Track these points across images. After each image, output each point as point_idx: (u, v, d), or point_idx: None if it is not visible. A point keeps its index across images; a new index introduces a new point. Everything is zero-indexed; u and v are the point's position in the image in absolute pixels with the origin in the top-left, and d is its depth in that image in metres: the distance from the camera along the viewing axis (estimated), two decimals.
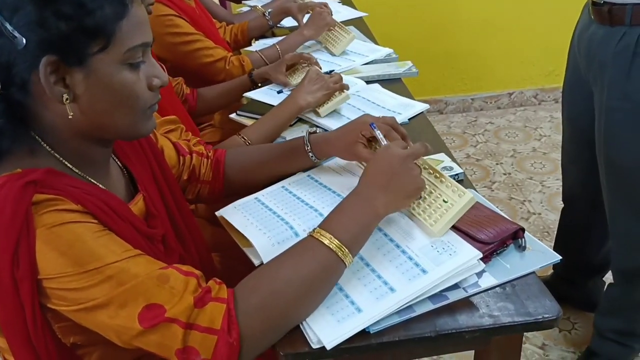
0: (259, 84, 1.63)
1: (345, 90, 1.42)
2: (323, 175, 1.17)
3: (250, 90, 1.62)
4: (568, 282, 1.96)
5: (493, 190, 2.73)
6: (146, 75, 0.86)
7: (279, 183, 1.17)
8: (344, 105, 1.47)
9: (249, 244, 1.00)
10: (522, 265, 0.95)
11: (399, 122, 1.40)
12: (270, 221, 1.04)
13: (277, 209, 1.07)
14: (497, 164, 2.94)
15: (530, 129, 3.25)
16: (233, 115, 1.52)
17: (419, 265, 0.90)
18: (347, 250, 0.86)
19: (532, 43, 3.29)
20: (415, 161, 0.97)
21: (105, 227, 0.81)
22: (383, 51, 1.87)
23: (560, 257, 0.96)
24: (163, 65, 1.60)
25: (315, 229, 0.88)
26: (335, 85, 1.42)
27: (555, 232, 2.01)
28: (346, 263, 0.86)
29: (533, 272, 0.94)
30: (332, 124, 1.40)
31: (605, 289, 1.78)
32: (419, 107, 1.50)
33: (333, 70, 1.65)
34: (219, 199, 1.23)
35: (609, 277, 1.93)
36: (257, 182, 1.20)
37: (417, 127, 1.43)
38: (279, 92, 1.56)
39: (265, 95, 1.56)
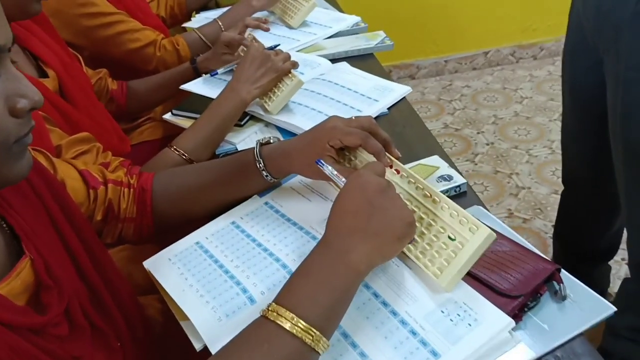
0: (203, 74, 1.31)
1: (295, 74, 1.11)
2: (284, 201, 0.88)
3: (191, 80, 1.30)
4: (570, 271, 1.74)
5: (477, 164, 2.48)
6: (4, 96, 0.56)
7: (227, 215, 0.88)
8: (306, 93, 1.18)
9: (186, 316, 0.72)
10: (565, 324, 0.69)
11: (377, 114, 1.15)
12: (216, 280, 0.75)
13: (224, 259, 0.79)
14: (478, 132, 2.68)
15: (510, 90, 2.99)
16: (167, 116, 1.21)
17: (427, 344, 0.63)
18: (318, 333, 0.59)
19: None
20: (398, 175, 0.70)
21: None
22: (349, 20, 1.56)
23: (615, 309, 0.70)
24: (79, 55, 1.29)
25: (270, 304, 0.61)
26: (285, 65, 1.12)
27: (548, 209, 1.77)
28: (319, 350, 0.59)
29: (581, 334, 0.68)
30: (295, 119, 1.11)
31: (620, 285, 1.56)
32: (399, 90, 1.21)
33: (278, 45, 1.34)
34: (150, 238, 0.94)
35: (616, 268, 1.72)
36: (197, 213, 0.92)
37: (400, 118, 1.15)
38: (212, 75, 1.25)
39: (207, 87, 1.24)
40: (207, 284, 0.75)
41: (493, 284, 0.71)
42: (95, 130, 1.11)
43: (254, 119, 1.16)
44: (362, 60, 1.39)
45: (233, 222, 0.86)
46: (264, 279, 0.74)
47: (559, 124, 1.71)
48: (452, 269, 0.67)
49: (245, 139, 1.11)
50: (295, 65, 1.13)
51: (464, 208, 0.86)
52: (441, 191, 0.88)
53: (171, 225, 0.93)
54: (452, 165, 0.96)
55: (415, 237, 0.71)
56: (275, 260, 0.77)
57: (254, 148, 0.86)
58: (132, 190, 0.91)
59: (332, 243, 0.65)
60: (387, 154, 0.80)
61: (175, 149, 1.03)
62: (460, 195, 0.92)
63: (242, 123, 1.14)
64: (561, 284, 0.72)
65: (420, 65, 3.16)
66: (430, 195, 0.73)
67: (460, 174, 0.95)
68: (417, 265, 0.71)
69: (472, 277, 0.71)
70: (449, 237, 0.69)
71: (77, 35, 1.34)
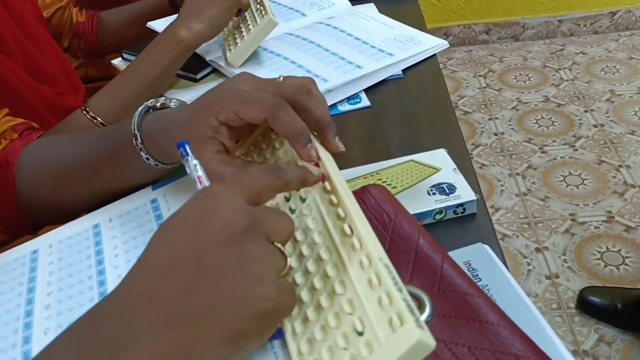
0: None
1: (269, 11, 0.77)
2: (180, 200, 0.57)
3: (169, 15, 1.01)
4: None
5: (576, 150, 1.99)
6: None
7: (101, 212, 0.59)
8: (291, 39, 0.84)
9: None
10: None
11: (384, 71, 0.76)
12: (7, 314, 0.47)
13: (43, 285, 0.51)
14: (585, 110, 2.17)
15: (637, 61, 2.42)
16: (116, 61, 0.93)
17: None
18: None
19: None
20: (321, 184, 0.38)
21: None
22: None
23: None
24: None
25: None
26: None
27: None
28: None
29: None
30: (263, 75, 0.78)
31: None
32: (428, 44, 0.84)
33: None
34: (23, 230, 0.67)
35: None
36: (66, 203, 0.63)
37: (417, 86, 0.78)
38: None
39: None
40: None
41: None
42: (31, 78, 0.86)
43: (218, 73, 0.84)
44: (398, 2, 1.02)
45: (96, 226, 0.57)
46: (66, 314, 0.45)
47: None
48: None
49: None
50: None
51: (465, 241, 0.52)
52: (434, 210, 0.53)
53: (39, 217, 0.65)
54: (467, 167, 0.60)
55: (307, 310, 0.38)
56: (99, 284, 0.48)
57: (133, 119, 0.55)
58: None
59: (105, 319, 0.34)
60: (315, 143, 0.46)
61: (85, 111, 0.74)
62: (464, 219, 0.56)
63: (198, 77, 0.83)
64: None
65: (527, 25, 2.65)
66: (352, 234, 0.39)
67: (477, 182, 0.58)
68: None
69: None
70: (355, 329, 0.35)
71: None
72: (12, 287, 0.51)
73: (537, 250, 1.65)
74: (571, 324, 1.43)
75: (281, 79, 0.50)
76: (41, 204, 0.64)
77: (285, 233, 0.37)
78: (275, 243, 0.36)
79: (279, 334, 0.37)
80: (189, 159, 0.43)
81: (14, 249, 0.57)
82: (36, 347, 0.43)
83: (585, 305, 1.44)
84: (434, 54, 0.84)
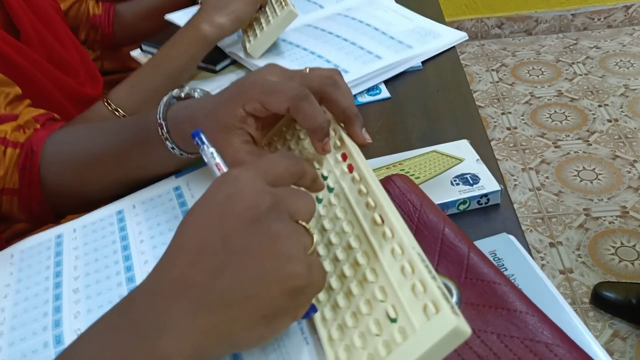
0: (199, 0, 1.01)
1: (288, 2, 0.77)
2: (203, 187, 0.57)
3: (185, 7, 1.01)
4: None
5: (590, 145, 1.98)
6: None
7: (124, 200, 0.59)
8: (310, 31, 0.84)
9: None
10: None
11: (403, 67, 0.76)
12: (36, 297, 0.49)
13: (69, 269, 0.51)
14: (599, 105, 2.16)
15: None
16: (135, 53, 0.93)
17: None
18: None
19: None
20: (349, 174, 0.39)
21: None
22: None
23: None
24: None
25: None
26: None
27: None
28: None
29: None
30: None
31: None
32: (448, 37, 0.84)
33: None
34: (47, 218, 0.68)
35: None
36: (91, 191, 0.64)
37: (436, 78, 0.78)
38: (200, 3, 0.94)
39: None
40: (24, 301, 0.48)
41: None
42: (53, 68, 0.87)
43: (237, 64, 0.85)
44: None
45: (120, 212, 0.57)
46: (95, 298, 0.46)
47: None
48: None
49: (216, 90, 0.80)
50: None
51: (489, 232, 0.52)
52: (458, 200, 0.53)
53: (63, 206, 0.66)
54: (489, 159, 0.60)
55: (338, 296, 0.38)
56: (126, 269, 0.48)
57: (158, 109, 0.55)
58: (17, 150, 0.65)
59: (139, 306, 0.34)
60: (342, 134, 0.46)
61: (107, 103, 0.75)
62: (488, 210, 0.56)
63: (218, 69, 0.83)
64: None
65: (540, 19, 2.63)
66: (383, 223, 0.39)
67: (500, 173, 0.58)
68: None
69: None
70: (388, 315, 0.35)
71: None
72: (39, 270, 0.52)
73: (551, 245, 1.64)
74: (585, 319, 1.43)
75: (307, 70, 0.50)
76: (65, 193, 0.64)
77: (308, 212, 0.38)
78: (300, 221, 0.37)
79: (312, 311, 0.37)
80: (205, 147, 0.43)
81: (39, 234, 0.57)
82: (67, 331, 0.44)
83: (600, 300, 1.44)
84: (454, 46, 0.83)
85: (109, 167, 0.61)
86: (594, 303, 1.45)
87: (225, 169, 0.41)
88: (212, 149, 0.42)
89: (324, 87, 0.47)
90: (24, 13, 0.87)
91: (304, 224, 0.37)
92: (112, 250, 0.52)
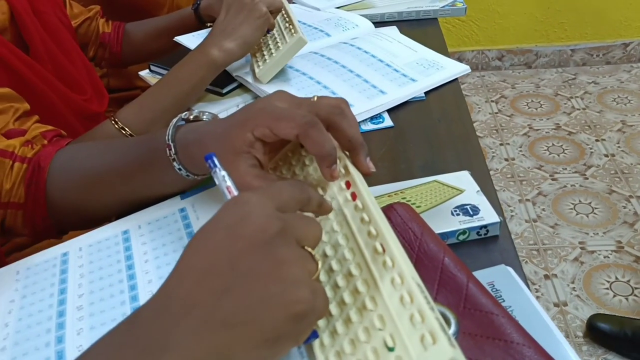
0: (208, 24, 1.03)
1: (298, 30, 0.79)
2: (208, 210, 0.58)
3: (194, 30, 1.03)
4: None
5: (587, 179, 2.00)
6: None
7: (129, 219, 0.60)
8: (316, 58, 0.86)
9: None
10: None
11: (406, 97, 0.78)
12: (40, 313, 0.49)
13: (74, 287, 0.52)
14: (597, 140, 2.19)
15: None
16: (143, 73, 0.95)
17: None
18: None
19: None
20: (352, 202, 0.39)
21: None
22: None
23: None
24: None
25: None
26: (276, 1, 0.81)
27: None
28: None
29: None
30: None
31: None
32: (451, 69, 0.86)
33: None
34: (49, 234, 0.68)
35: None
36: (95, 210, 0.64)
37: (439, 108, 0.80)
38: (209, 26, 0.96)
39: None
40: (27, 317, 0.49)
41: None
42: (60, 84, 0.88)
43: (243, 88, 0.86)
44: (420, 25, 1.04)
45: (125, 232, 0.58)
46: (98, 315, 0.46)
47: None
48: None
49: (222, 113, 0.82)
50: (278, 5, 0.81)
51: (487, 263, 0.53)
52: (458, 231, 0.54)
53: (66, 222, 0.67)
54: (489, 190, 0.61)
55: (337, 323, 0.39)
56: (130, 288, 0.49)
57: (168, 129, 0.56)
58: (25, 165, 0.66)
59: (144, 323, 0.35)
60: (347, 162, 0.48)
61: (114, 121, 0.76)
62: (487, 241, 0.57)
63: (224, 92, 0.85)
64: None
65: (540, 53, 2.68)
66: (384, 252, 0.40)
67: (499, 205, 0.60)
68: None
69: None
70: (385, 344, 0.35)
71: None
72: (44, 287, 0.52)
73: (546, 277, 1.65)
74: (579, 353, 1.43)
75: (315, 98, 0.51)
76: (70, 209, 0.65)
77: (315, 238, 0.39)
78: (306, 247, 0.38)
79: (314, 336, 0.38)
80: (217, 170, 0.44)
81: (44, 251, 0.58)
82: (69, 347, 0.44)
83: (594, 331, 1.44)
84: (456, 78, 0.85)
85: (115, 185, 0.61)
86: (589, 334, 1.45)
87: (235, 193, 0.42)
88: (223, 172, 0.43)
89: (332, 115, 0.48)
90: (34, 28, 0.88)
91: (309, 249, 0.38)
92: (116, 269, 0.52)
